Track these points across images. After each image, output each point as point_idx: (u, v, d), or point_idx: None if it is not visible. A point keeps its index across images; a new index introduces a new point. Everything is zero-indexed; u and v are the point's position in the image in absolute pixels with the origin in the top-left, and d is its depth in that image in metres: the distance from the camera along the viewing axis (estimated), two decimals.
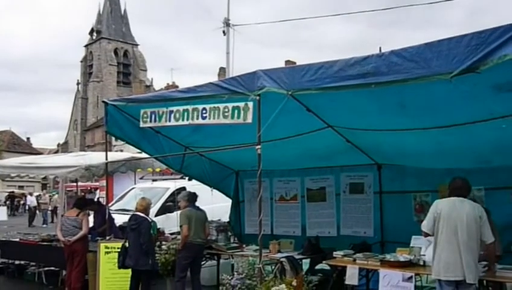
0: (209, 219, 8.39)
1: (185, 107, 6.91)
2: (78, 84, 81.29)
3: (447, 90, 4.98)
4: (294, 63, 46.05)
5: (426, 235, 5.59)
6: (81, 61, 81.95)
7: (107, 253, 8.31)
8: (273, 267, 7.69)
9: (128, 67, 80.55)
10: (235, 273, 6.84)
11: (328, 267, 7.76)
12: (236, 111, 6.31)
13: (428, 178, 7.73)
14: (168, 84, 60.29)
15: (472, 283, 5.18)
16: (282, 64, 46.42)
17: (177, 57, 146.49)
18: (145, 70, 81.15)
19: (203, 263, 8.27)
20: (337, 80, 5.35)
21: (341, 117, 6.81)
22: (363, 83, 5.14)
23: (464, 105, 5.44)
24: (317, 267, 8.28)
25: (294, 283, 5.82)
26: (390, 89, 5.15)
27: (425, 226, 5.55)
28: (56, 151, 65.75)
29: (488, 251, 5.43)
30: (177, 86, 58.44)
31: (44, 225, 26.57)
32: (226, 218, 10.69)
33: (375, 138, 7.16)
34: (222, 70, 41.72)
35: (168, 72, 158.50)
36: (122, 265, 7.61)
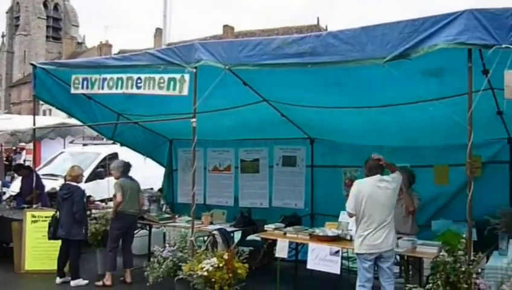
0: (141, 187, 8.29)
1: (119, 75, 6.77)
2: (3, 36, 76.56)
3: (380, 73, 5.11)
4: (233, 28, 45.80)
5: (351, 215, 5.80)
6: (7, 12, 76.96)
7: (34, 222, 8.10)
8: (205, 238, 7.77)
9: (58, 22, 76.68)
10: (167, 245, 6.86)
11: (259, 239, 7.94)
12: (172, 82, 6.25)
13: (358, 154, 7.90)
14: (101, 42, 58.21)
15: (389, 258, 5.52)
16: (220, 29, 46.02)
17: (112, 14, 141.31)
18: (77, 26, 77.58)
19: (135, 232, 8.22)
20: (274, 57, 5.42)
21: (277, 92, 6.86)
22: (300, 62, 5.23)
23: (395, 87, 5.62)
24: (249, 238, 8.44)
25: (225, 256, 5.91)
26: (327, 68, 5.24)
27: (349, 207, 5.74)
28: None
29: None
30: (110, 45, 56.66)
31: None
32: (157, 186, 10.64)
33: (309, 113, 7.29)
34: (159, 31, 40.65)
35: (102, 29, 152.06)
36: (53, 236, 7.44)
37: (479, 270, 4.76)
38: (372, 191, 5.57)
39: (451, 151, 7.03)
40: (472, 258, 4.61)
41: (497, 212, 5.81)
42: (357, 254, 5.65)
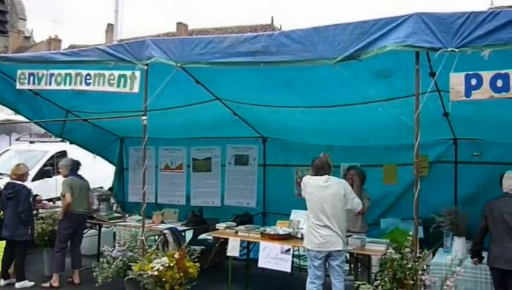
0: (91, 185, 8.11)
1: (68, 71, 6.57)
2: None
3: (331, 74, 5.18)
4: (186, 26, 45.37)
5: None
6: None
7: None
8: (156, 237, 7.68)
9: (4, 15, 73.70)
10: (117, 244, 6.73)
11: (211, 238, 7.92)
12: (122, 79, 6.12)
13: (310, 153, 7.95)
14: (50, 37, 56.50)
15: (339, 256, 5.61)
16: (174, 26, 45.48)
17: (62, 8, 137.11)
18: (25, 20, 74.83)
19: (84, 232, 8.03)
20: (226, 55, 5.38)
21: (229, 91, 6.85)
22: (252, 61, 5.22)
23: (345, 88, 5.69)
24: (200, 237, 8.41)
25: (176, 255, 5.86)
26: (279, 67, 5.26)
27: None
28: None
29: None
30: (60, 40, 55.12)
31: None
32: (107, 185, 10.42)
33: (261, 112, 7.31)
34: (110, 27, 39.81)
35: (51, 24, 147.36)
36: None
37: (425, 266, 4.89)
38: (317, 189, 5.68)
39: (399, 151, 7.19)
40: (418, 255, 4.72)
41: (442, 211, 5.99)
42: (307, 250, 5.72)
